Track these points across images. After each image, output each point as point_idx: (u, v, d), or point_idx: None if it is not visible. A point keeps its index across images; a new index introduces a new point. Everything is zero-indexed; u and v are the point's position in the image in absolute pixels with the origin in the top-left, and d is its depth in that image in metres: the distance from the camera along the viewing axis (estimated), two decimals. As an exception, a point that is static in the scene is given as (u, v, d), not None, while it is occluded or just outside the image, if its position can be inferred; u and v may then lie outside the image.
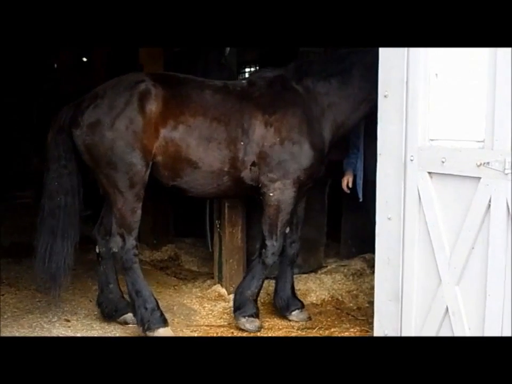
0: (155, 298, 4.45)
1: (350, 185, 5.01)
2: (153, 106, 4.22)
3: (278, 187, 4.38)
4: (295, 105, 4.41)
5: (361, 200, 4.96)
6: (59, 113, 4.50)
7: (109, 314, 4.62)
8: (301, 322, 4.74)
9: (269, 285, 5.52)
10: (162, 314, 4.41)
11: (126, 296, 4.83)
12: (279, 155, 4.34)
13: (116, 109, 4.20)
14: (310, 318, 4.82)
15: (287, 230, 4.73)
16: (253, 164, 4.38)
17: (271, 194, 4.40)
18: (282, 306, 4.83)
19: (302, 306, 4.86)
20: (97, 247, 4.64)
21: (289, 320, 4.79)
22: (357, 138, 4.93)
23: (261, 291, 5.38)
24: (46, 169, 4.48)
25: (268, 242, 4.49)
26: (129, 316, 4.58)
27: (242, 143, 4.34)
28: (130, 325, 4.57)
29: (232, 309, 4.67)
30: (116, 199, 4.29)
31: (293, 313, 4.81)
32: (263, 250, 4.51)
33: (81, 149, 4.32)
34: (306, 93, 4.45)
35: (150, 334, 4.31)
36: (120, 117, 4.18)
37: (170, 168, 4.35)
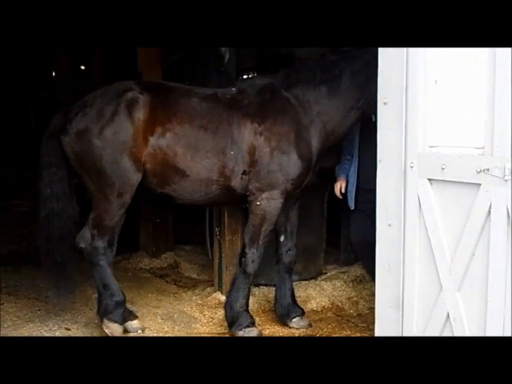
0: (123, 294, 4.51)
1: (343, 190, 4.92)
2: (140, 115, 4.25)
3: (265, 197, 4.36)
4: (284, 113, 4.37)
5: (352, 208, 4.86)
6: (50, 120, 4.55)
7: None
8: (301, 329, 4.73)
9: (269, 292, 5.53)
10: (124, 311, 4.48)
11: (126, 304, 4.84)
12: (268, 165, 4.31)
13: (104, 117, 4.25)
14: (310, 325, 4.81)
15: (282, 238, 4.75)
16: (244, 173, 4.36)
17: (257, 203, 4.38)
18: (283, 313, 4.82)
19: (302, 313, 4.86)
20: None
21: (290, 328, 4.78)
22: (350, 144, 4.89)
23: (261, 298, 5.42)
24: (39, 176, 4.54)
25: (248, 251, 4.45)
26: (129, 324, 4.57)
27: (232, 152, 4.32)
28: (131, 334, 4.55)
29: (227, 325, 4.61)
30: (99, 204, 4.34)
31: (294, 320, 4.80)
32: (243, 259, 4.48)
33: (70, 156, 4.37)
34: (295, 101, 4.40)
35: (106, 322, 4.41)
36: (108, 125, 4.22)
37: (159, 175, 4.36)
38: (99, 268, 4.43)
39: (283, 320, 4.84)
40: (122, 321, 4.47)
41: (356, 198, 4.79)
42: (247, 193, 4.40)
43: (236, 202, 4.81)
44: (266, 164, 4.31)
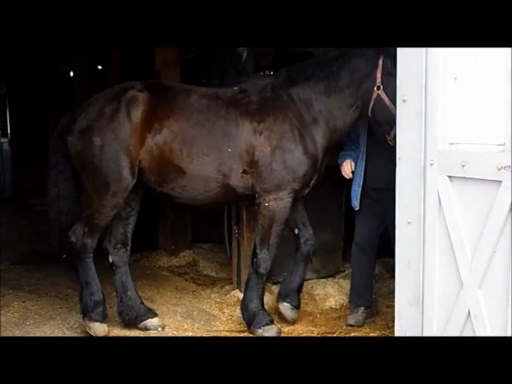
0: (103, 294, 4.55)
1: (353, 168, 4.63)
2: (139, 112, 4.29)
3: (273, 198, 4.33)
4: (286, 111, 4.33)
5: (357, 208, 4.72)
6: (59, 121, 4.65)
7: (130, 321, 4.65)
8: (320, 327, 4.72)
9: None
10: (104, 309, 4.52)
11: (146, 302, 4.88)
12: (270, 164, 4.29)
13: (104, 115, 4.31)
14: (294, 322, 4.75)
15: (296, 231, 4.71)
16: (244, 172, 4.33)
17: (266, 204, 4.35)
18: (281, 293, 4.81)
19: (297, 306, 4.79)
20: (110, 256, 4.70)
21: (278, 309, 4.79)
22: (355, 137, 4.71)
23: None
24: (47, 176, 4.63)
25: (259, 252, 4.44)
26: (149, 322, 4.62)
27: (229, 149, 4.30)
28: (151, 331, 4.59)
29: (246, 325, 4.61)
30: (93, 203, 4.38)
31: (284, 303, 4.77)
32: (255, 259, 4.47)
33: (72, 154, 4.43)
34: (297, 99, 4.37)
35: (87, 323, 4.46)
36: (109, 123, 4.28)
37: (156, 173, 4.38)
38: (84, 264, 4.48)
39: (277, 298, 4.83)
40: (103, 319, 4.50)
41: (361, 198, 4.68)
42: (255, 195, 4.38)
43: (239, 202, 4.76)
44: (268, 163, 4.29)
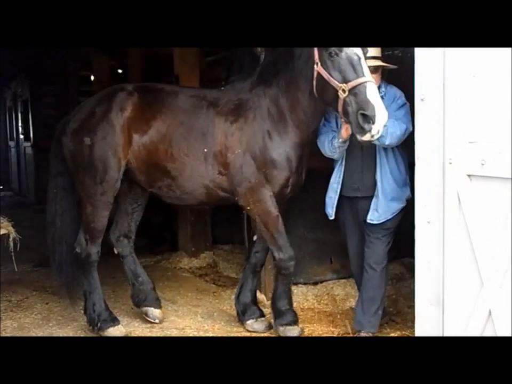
0: (105, 302, 4.64)
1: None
2: (127, 113, 4.39)
3: (251, 201, 4.25)
4: (255, 112, 4.23)
5: (332, 218, 4.44)
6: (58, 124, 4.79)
7: (138, 303, 4.85)
8: (340, 328, 4.71)
9: (308, 291, 5.55)
10: (110, 314, 4.61)
11: (167, 303, 4.94)
12: (241, 167, 4.22)
13: (95, 116, 4.43)
14: (269, 328, 4.64)
15: (255, 237, 4.60)
16: (220, 173, 4.31)
17: (248, 208, 4.31)
18: (240, 311, 4.77)
19: (260, 315, 4.73)
20: (115, 249, 4.87)
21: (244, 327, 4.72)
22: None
23: (300, 297, 5.43)
24: (48, 178, 4.77)
25: (276, 255, 4.35)
26: (151, 310, 4.80)
27: (205, 150, 4.29)
28: (149, 319, 4.78)
29: (272, 318, 4.61)
30: (86, 206, 4.49)
31: (248, 322, 4.71)
32: (275, 261, 4.43)
33: (66, 155, 4.55)
34: (267, 97, 4.23)
35: (102, 333, 4.53)
36: (98, 123, 4.39)
37: (145, 173, 4.47)
38: (88, 274, 4.58)
39: (239, 317, 4.79)
40: (113, 321, 4.58)
41: (342, 210, 4.45)
42: (236, 198, 4.35)
43: (226, 203, 4.67)
44: (239, 165, 4.22)
